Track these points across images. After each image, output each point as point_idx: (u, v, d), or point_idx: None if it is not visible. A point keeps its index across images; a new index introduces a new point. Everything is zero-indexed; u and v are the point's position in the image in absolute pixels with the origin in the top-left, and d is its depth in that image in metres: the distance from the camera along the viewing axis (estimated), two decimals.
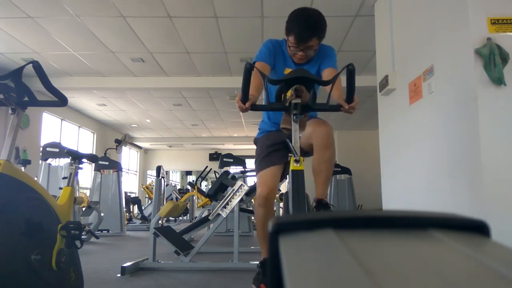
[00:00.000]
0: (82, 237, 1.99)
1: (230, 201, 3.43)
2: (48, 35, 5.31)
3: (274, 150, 1.97)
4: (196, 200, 8.98)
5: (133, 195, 11.16)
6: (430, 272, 0.26)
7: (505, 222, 2.11)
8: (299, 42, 1.81)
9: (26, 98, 1.75)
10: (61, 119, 9.42)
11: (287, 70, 1.95)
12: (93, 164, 7.36)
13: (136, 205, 9.40)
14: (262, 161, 1.98)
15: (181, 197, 8.97)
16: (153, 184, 6.74)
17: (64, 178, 5.48)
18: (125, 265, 3.06)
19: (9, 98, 1.70)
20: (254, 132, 2.24)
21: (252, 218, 6.50)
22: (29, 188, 1.69)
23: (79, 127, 10.27)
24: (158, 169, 4.95)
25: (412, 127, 3.13)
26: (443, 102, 2.67)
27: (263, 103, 1.87)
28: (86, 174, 9.72)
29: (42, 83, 1.71)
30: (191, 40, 5.47)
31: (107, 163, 7.10)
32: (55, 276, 1.76)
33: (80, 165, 2.44)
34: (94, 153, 10.33)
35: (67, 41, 5.56)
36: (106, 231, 6.71)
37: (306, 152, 1.88)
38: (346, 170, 8.67)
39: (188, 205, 8.61)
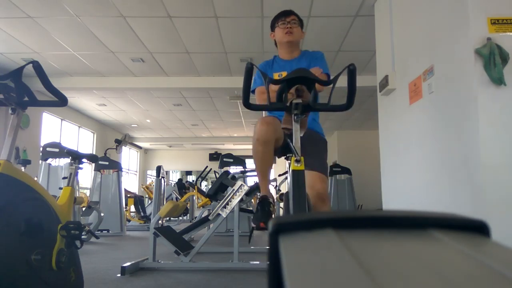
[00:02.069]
0: (82, 237, 1.99)
1: (230, 201, 3.43)
2: (48, 35, 5.31)
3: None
4: (196, 200, 8.98)
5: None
6: (430, 272, 0.26)
7: (505, 222, 2.11)
8: (283, 15, 2.14)
9: (26, 98, 1.75)
10: (61, 119, 9.42)
11: (275, 75, 2.10)
12: (93, 164, 7.36)
13: (139, 206, 9.42)
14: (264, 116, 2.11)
15: (181, 192, 8.99)
16: (153, 184, 6.75)
17: (64, 178, 5.48)
18: (125, 265, 3.06)
19: (9, 98, 1.70)
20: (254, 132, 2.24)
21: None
22: (29, 188, 1.69)
23: (79, 127, 10.27)
24: (158, 169, 4.94)
25: (412, 127, 3.13)
26: (443, 102, 2.67)
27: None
28: (86, 174, 9.72)
29: (42, 83, 1.71)
30: (191, 40, 5.47)
31: (107, 163, 7.09)
32: (55, 276, 1.76)
33: (80, 165, 2.44)
34: (94, 153, 10.33)
35: (67, 41, 5.56)
36: (106, 231, 6.71)
37: None
38: (346, 170, 8.68)
39: (188, 205, 8.61)
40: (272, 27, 2.22)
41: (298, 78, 1.41)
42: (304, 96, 1.45)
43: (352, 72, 1.38)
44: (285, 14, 2.18)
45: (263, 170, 1.98)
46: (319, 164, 1.98)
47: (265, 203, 1.85)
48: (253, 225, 1.92)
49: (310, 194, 1.78)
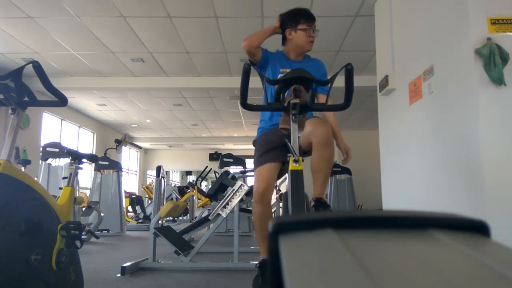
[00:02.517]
0: (82, 237, 1.99)
1: (230, 201, 3.43)
2: (48, 35, 5.31)
3: (272, 148, 1.98)
4: (196, 200, 8.98)
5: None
6: (430, 272, 0.26)
7: (505, 222, 2.11)
8: (311, 20, 2.10)
9: (26, 98, 1.75)
10: (61, 119, 9.42)
11: (282, 70, 2.07)
12: (93, 164, 7.36)
13: (139, 205, 9.40)
14: (260, 158, 1.99)
15: (181, 196, 8.98)
16: (153, 184, 6.75)
17: (64, 178, 5.48)
18: (125, 265, 3.06)
19: (9, 98, 1.70)
20: (254, 132, 2.25)
21: (253, 218, 6.48)
22: (29, 188, 1.69)
23: (79, 127, 10.27)
24: (158, 169, 4.95)
25: (412, 127, 3.13)
26: (443, 102, 2.67)
27: (262, 103, 1.87)
28: (86, 174, 9.72)
29: (42, 83, 1.71)
30: (191, 40, 5.47)
31: (107, 163, 7.09)
32: (55, 276, 1.76)
33: (80, 165, 2.44)
34: (94, 153, 10.33)
35: (67, 41, 5.56)
36: (106, 231, 6.71)
37: (305, 152, 1.87)
38: (346, 170, 8.67)
39: (188, 205, 8.61)
40: (292, 24, 2.12)
41: (296, 78, 1.41)
42: (302, 96, 1.45)
43: (349, 72, 1.38)
44: (312, 18, 2.13)
45: (262, 233, 1.96)
46: (316, 117, 2.01)
47: (266, 268, 1.82)
48: None
49: (313, 139, 1.76)
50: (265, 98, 1.56)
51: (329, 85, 1.48)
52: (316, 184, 1.80)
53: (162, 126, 11.60)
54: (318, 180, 1.80)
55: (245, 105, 1.50)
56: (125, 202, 9.08)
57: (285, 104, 1.46)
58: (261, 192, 1.89)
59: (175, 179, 17.63)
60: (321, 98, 1.98)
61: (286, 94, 1.50)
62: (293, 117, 1.45)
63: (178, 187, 10.59)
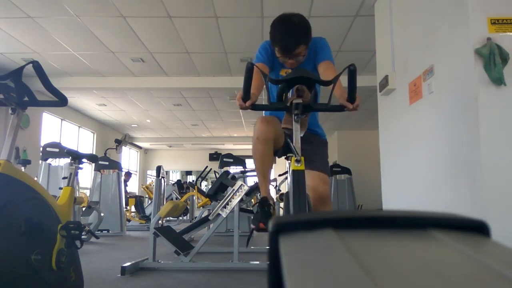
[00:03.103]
0: (82, 237, 1.99)
1: (230, 201, 3.43)
2: (48, 35, 5.31)
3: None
4: (196, 200, 8.98)
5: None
6: (430, 272, 0.26)
7: (505, 222, 2.11)
8: (285, 54, 1.79)
9: (26, 98, 1.75)
10: (61, 119, 9.42)
11: (283, 71, 1.98)
12: (93, 164, 7.36)
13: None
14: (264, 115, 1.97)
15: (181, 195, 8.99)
16: (153, 184, 6.75)
17: (64, 178, 5.48)
18: (125, 265, 3.06)
19: (9, 98, 1.70)
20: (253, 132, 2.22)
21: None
22: (29, 188, 1.69)
23: (79, 127, 10.27)
24: (158, 169, 4.94)
25: (412, 127, 3.13)
26: (443, 102, 2.67)
27: (264, 103, 1.86)
28: (86, 174, 9.72)
29: (42, 83, 1.71)
30: (191, 40, 5.47)
31: (107, 163, 7.09)
32: (55, 276, 1.76)
33: (80, 165, 2.44)
34: (94, 153, 10.33)
35: (67, 41, 5.56)
36: (106, 231, 6.71)
37: None
38: (346, 170, 8.68)
39: (188, 205, 8.61)
40: (272, 43, 1.85)
41: (298, 78, 1.41)
42: (305, 96, 1.45)
43: (352, 73, 1.38)
44: (287, 51, 1.78)
45: (263, 170, 1.93)
46: (320, 164, 1.96)
47: (265, 204, 1.83)
48: (252, 226, 1.89)
49: (312, 195, 1.76)
50: (267, 98, 1.56)
51: (331, 85, 1.48)
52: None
53: (162, 126, 11.60)
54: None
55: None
56: (130, 202, 9.13)
57: (288, 104, 1.46)
58: (265, 130, 1.77)
59: (175, 179, 17.63)
60: (326, 66, 1.83)
61: (289, 94, 1.50)
62: (296, 117, 1.45)
63: (177, 180, 10.61)
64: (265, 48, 1.95)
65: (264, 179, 1.96)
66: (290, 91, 1.49)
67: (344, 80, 1.41)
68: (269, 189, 2.01)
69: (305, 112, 1.47)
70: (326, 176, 1.94)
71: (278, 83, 1.46)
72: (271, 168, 1.97)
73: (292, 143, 1.46)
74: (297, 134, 1.46)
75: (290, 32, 1.76)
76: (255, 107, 1.52)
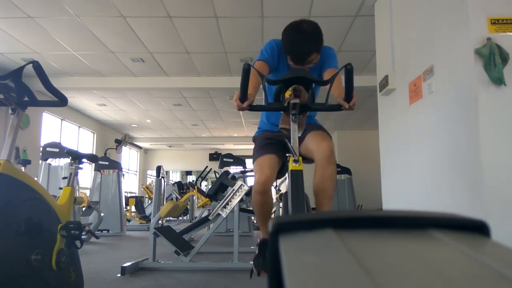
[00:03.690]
0: (82, 237, 1.99)
1: (230, 201, 3.43)
2: (48, 35, 5.31)
3: (272, 143, 1.95)
4: (196, 200, 8.98)
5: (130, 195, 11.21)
6: (430, 272, 0.26)
7: (505, 222, 2.11)
8: (297, 63, 1.75)
9: (26, 98, 1.75)
10: (61, 119, 9.42)
11: None
12: (93, 164, 7.36)
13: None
14: (260, 150, 1.93)
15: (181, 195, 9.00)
16: (153, 184, 6.75)
17: (64, 178, 5.48)
18: (125, 265, 3.06)
19: (9, 98, 1.70)
20: (254, 132, 2.22)
21: (252, 218, 6.49)
22: (29, 188, 1.69)
23: (79, 127, 10.27)
24: (158, 169, 4.94)
25: (412, 127, 3.13)
26: (443, 102, 2.67)
27: (262, 103, 1.86)
28: (86, 174, 9.72)
29: (42, 83, 1.71)
30: (191, 40, 5.47)
31: (107, 163, 7.10)
32: (55, 276, 1.76)
33: (80, 165, 2.44)
34: (94, 153, 10.33)
35: (67, 41, 5.56)
36: (106, 231, 6.71)
37: (304, 159, 1.85)
38: (346, 170, 8.68)
39: (188, 205, 8.61)
40: (284, 51, 1.82)
41: (295, 78, 1.41)
42: (302, 96, 1.45)
43: (349, 72, 1.38)
44: (301, 61, 1.74)
45: (263, 217, 1.94)
46: (317, 127, 1.94)
47: (266, 246, 1.81)
48: (254, 270, 1.90)
49: (316, 156, 1.73)
50: (265, 98, 1.56)
51: (329, 85, 1.48)
52: (323, 206, 1.72)
53: (162, 126, 11.60)
54: (325, 201, 1.71)
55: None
56: (130, 202, 9.14)
57: (285, 104, 1.46)
58: (262, 183, 1.80)
59: (175, 179, 17.64)
60: (331, 73, 1.84)
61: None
62: (293, 117, 1.45)
63: (178, 183, 10.61)
64: (272, 47, 1.90)
65: (263, 223, 1.95)
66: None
67: (343, 80, 1.41)
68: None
69: (302, 112, 1.47)
70: (325, 133, 1.87)
71: (275, 84, 1.46)
72: (271, 213, 1.99)
73: (290, 143, 1.46)
74: (295, 134, 1.46)
75: (303, 41, 1.72)
76: (252, 108, 1.52)
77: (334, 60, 1.91)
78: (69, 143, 9.62)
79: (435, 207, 2.71)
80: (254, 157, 1.95)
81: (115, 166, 7.18)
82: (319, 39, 1.75)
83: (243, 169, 6.32)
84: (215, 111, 9.60)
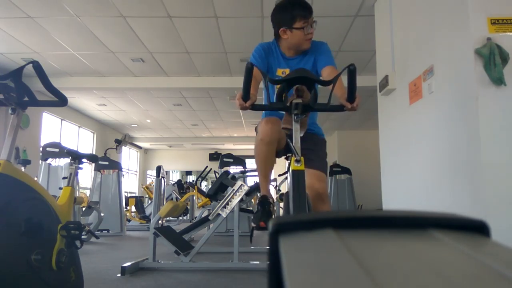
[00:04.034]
0: (82, 237, 1.99)
1: (230, 201, 3.43)
2: (48, 35, 5.31)
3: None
4: (196, 200, 8.99)
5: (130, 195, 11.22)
6: (430, 272, 0.26)
7: (505, 222, 2.11)
8: (307, 16, 1.87)
9: (26, 98, 1.75)
10: (61, 119, 9.42)
11: (279, 71, 2.00)
12: (93, 164, 7.36)
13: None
14: (265, 115, 2.02)
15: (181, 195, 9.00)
16: (153, 184, 6.75)
17: (64, 178, 5.48)
18: (125, 265, 3.06)
19: (9, 98, 1.70)
20: (254, 132, 2.22)
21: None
22: (29, 188, 1.69)
23: (79, 127, 10.27)
24: (158, 169, 4.95)
25: (412, 127, 3.13)
26: (443, 102, 2.67)
27: (263, 103, 1.86)
28: (86, 174, 9.72)
29: (42, 83, 1.71)
30: (191, 40, 5.47)
31: (107, 163, 7.09)
32: (55, 276, 1.76)
33: (80, 165, 2.44)
34: (94, 153, 10.33)
35: (67, 41, 5.56)
36: (106, 231, 6.71)
37: None
38: (346, 170, 8.69)
39: (188, 205, 8.61)
40: (287, 23, 1.91)
41: (298, 78, 1.41)
42: (304, 96, 1.45)
43: (352, 72, 1.38)
44: (309, 12, 1.90)
45: (265, 171, 1.94)
46: (318, 163, 1.96)
47: (265, 202, 1.84)
48: (253, 225, 1.90)
49: (310, 194, 1.77)
50: (267, 98, 1.56)
51: (331, 85, 1.48)
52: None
53: (162, 126, 11.61)
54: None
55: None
56: (130, 202, 9.14)
57: (288, 104, 1.46)
58: (269, 133, 1.78)
59: (175, 179, 17.64)
60: (330, 71, 1.86)
61: (288, 94, 1.50)
62: (295, 117, 1.45)
63: (178, 180, 10.62)
64: (259, 52, 1.98)
65: (264, 179, 1.97)
66: (289, 91, 1.50)
67: (343, 80, 1.41)
68: (269, 188, 2.02)
69: (305, 112, 1.47)
70: (323, 174, 1.94)
71: (278, 83, 1.46)
72: (272, 168, 1.98)
73: (292, 143, 1.46)
74: (297, 134, 1.46)
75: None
76: (255, 107, 1.52)
77: (329, 56, 1.96)
78: (69, 143, 9.62)
79: (435, 207, 2.71)
80: (260, 122, 1.94)
81: (115, 166, 7.18)
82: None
83: (243, 169, 6.33)
84: (215, 111, 9.60)
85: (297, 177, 1.43)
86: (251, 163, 3.74)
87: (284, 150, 1.92)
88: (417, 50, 3.08)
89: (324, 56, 1.94)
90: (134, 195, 11.79)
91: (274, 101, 1.51)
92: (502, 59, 2.23)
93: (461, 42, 2.45)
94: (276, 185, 6.69)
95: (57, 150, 5.91)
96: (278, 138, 1.86)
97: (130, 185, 13.92)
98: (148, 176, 15.49)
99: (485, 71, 2.26)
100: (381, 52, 3.96)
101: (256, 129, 2.15)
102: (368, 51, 5.63)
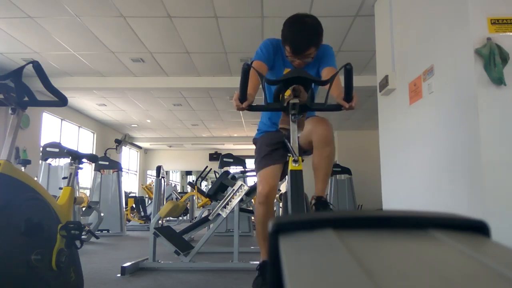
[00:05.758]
0: (82, 237, 1.99)
1: (230, 201, 3.43)
2: (48, 35, 5.31)
3: (273, 149, 1.97)
4: (196, 200, 8.98)
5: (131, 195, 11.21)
6: (430, 272, 0.26)
7: (505, 222, 2.11)
8: (295, 54, 1.78)
9: (26, 98, 1.75)
10: (61, 119, 9.42)
11: (287, 70, 1.95)
12: (93, 164, 7.36)
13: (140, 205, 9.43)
14: (262, 160, 1.96)
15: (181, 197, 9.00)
16: (153, 184, 6.75)
17: (64, 178, 5.48)
18: (125, 265, 3.06)
19: (9, 98, 1.70)
20: (254, 132, 2.22)
21: (252, 218, 6.50)
22: (29, 188, 1.69)
23: (79, 127, 10.27)
24: (158, 169, 4.95)
25: (412, 127, 3.13)
26: (443, 102, 2.67)
27: (261, 103, 1.86)
28: (86, 174, 9.72)
29: (42, 83, 1.71)
30: (191, 40, 5.47)
31: (107, 163, 7.09)
32: (55, 276, 1.76)
33: (80, 165, 2.43)
34: (94, 153, 10.33)
35: (67, 41, 5.56)
36: (106, 231, 6.71)
37: (305, 150, 1.87)
38: (346, 170, 8.68)
39: (188, 205, 8.61)
40: (283, 41, 1.84)
41: (295, 78, 1.41)
42: (301, 96, 1.45)
43: (349, 72, 1.38)
44: (298, 52, 1.77)
45: (264, 233, 1.95)
46: (315, 115, 1.98)
47: (266, 269, 1.82)
48: None
49: (313, 137, 1.76)
50: (264, 98, 1.56)
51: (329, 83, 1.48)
52: (317, 182, 1.80)
53: (162, 126, 11.60)
54: (319, 178, 1.80)
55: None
56: (129, 202, 9.14)
57: (285, 104, 1.46)
58: (266, 194, 1.87)
59: (175, 179, 17.63)
60: (329, 72, 1.82)
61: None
62: (293, 117, 1.46)
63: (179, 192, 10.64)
64: (267, 46, 1.93)
65: (264, 242, 1.96)
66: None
67: (341, 79, 1.41)
68: None
69: (302, 112, 1.47)
70: (324, 118, 1.87)
71: (275, 84, 1.46)
72: None
73: (290, 144, 1.46)
74: (294, 134, 1.46)
75: (303, 33, 1.76)
76: (252, 108, 1.52)
77: (332, 59, 1.94)
78: (69, 143, 9.62)
79: (435, 207, 2.70)
80: (257, 167, 1.98)
81: (115, 166, 7.18)
82: (319, 34, 1.79)
83: (243, 169, 6.32)
84: (215, 111, 9.60)
85: (296, 177, 1.43)
86: (251, 163, 3.73)
87: (284, 151, 1.92)
88: (417, 50, 3.08)
89: (326, 59, 1.93)
90: (133, 195, 11.77)
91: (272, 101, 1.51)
92: (502, 59, 2.23)
93: (461, 42, 2.45)
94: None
95: (57, 150, 5.91)
96: (276, 187, 1.95)
97: (130, 185, 13.91)
98: (148, 176, 15.49)
99: (485, 71, 2.26)
100: (381, 52, 3.96)
101: (253, 141, 2.17)
102: (368, 51, 5.63)
